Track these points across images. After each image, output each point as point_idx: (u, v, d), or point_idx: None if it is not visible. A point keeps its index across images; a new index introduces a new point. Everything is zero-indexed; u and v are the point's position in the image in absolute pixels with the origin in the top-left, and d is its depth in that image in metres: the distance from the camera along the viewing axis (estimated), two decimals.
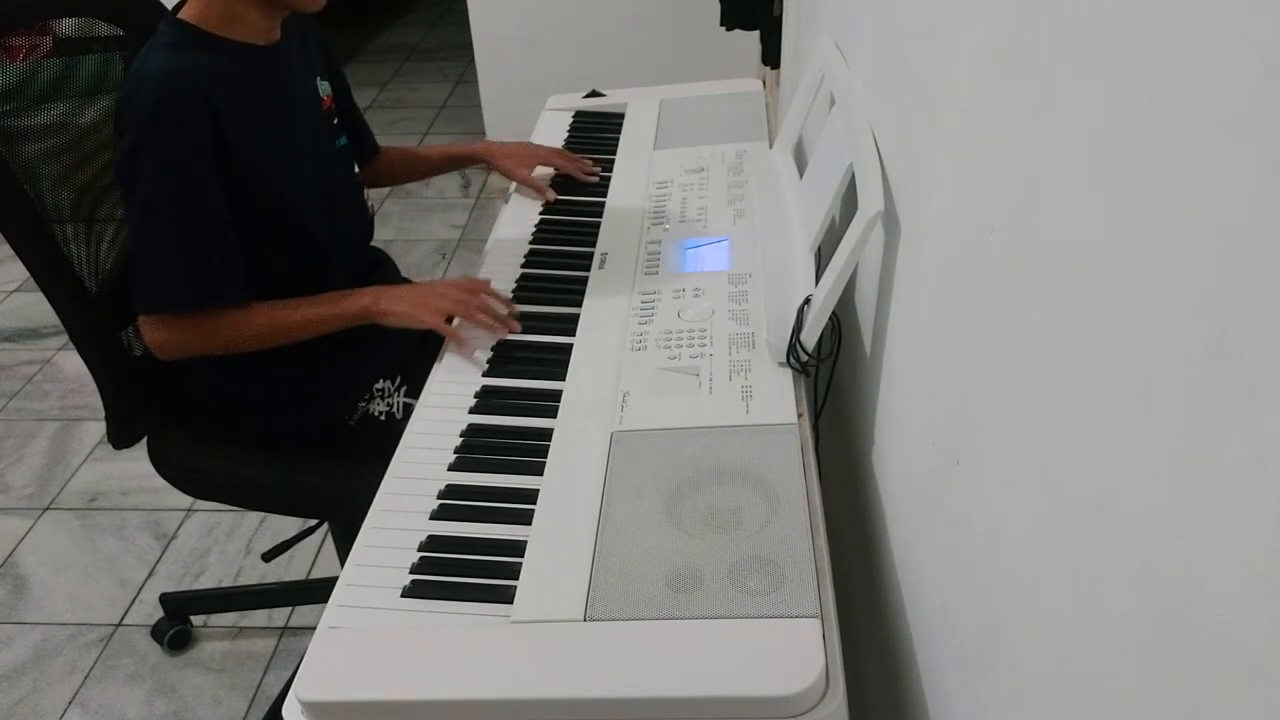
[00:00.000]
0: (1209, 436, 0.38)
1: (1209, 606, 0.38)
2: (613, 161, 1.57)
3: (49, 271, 1.25)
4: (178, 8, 1.18)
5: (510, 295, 1.25)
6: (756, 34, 2.25)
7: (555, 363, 1.11)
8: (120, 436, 1.36)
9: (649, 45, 3.10)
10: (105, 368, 1.31)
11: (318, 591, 1.76)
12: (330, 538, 1.76)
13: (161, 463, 1.38)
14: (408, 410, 1.33)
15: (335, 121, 1.37)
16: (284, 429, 1.34)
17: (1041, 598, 0.56)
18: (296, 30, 1.30)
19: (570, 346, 1.13)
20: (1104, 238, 0.47)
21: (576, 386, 1.07)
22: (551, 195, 1.47)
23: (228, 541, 1.97)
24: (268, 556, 1.60)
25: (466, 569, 0.86)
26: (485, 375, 1.12)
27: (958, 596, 0.72)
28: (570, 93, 1.82)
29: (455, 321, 1.17)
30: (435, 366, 1.14)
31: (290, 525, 1.85)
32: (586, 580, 0.82)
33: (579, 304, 1.21)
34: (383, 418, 1.36)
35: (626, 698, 0.73)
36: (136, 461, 1.45)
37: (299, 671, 0.78)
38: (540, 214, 1.46)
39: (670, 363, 1.07)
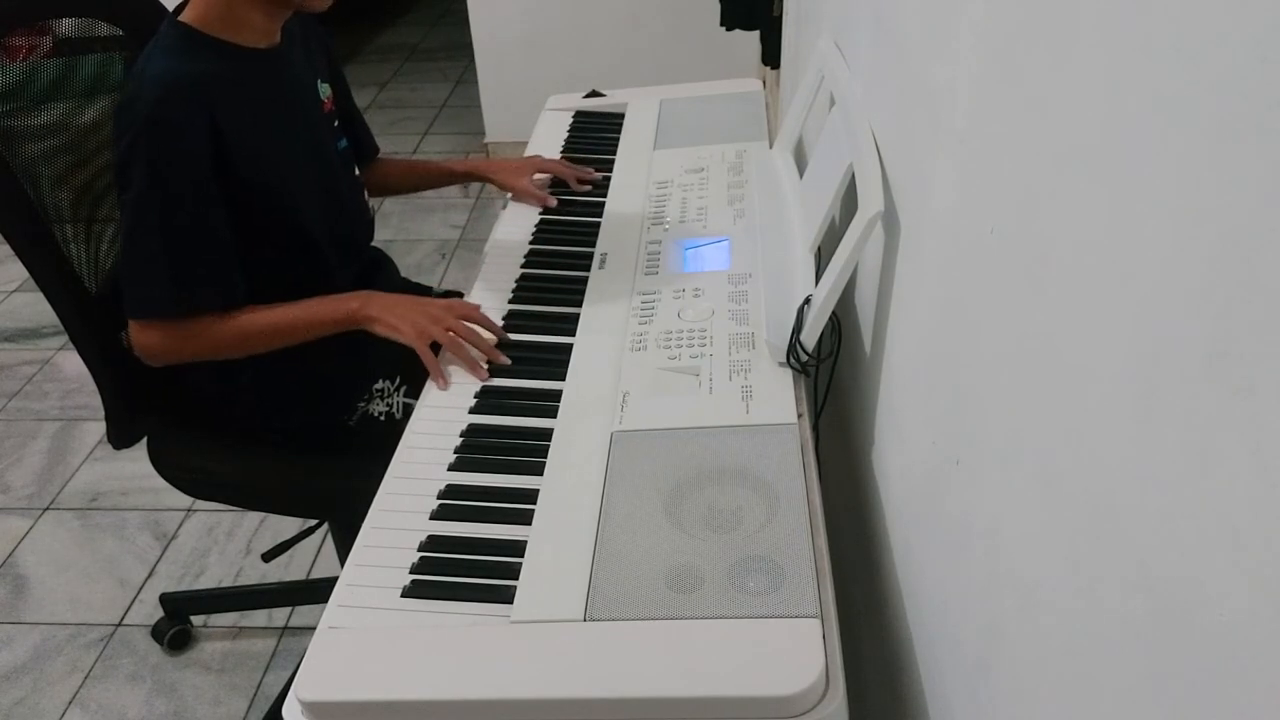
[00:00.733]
0: (1209, 436, 0.38)
1: (1209, 606, 0.38)
2: (613, 162, 1.57)
3: (49, 271, 1.25)
4: (179, 9, 1.18)
5: (510, 295, 1.25)
6: (756, 34, 2.25)
7: (555, 363, 1.11)
8: (120, 436, 1.36)
9: (649, 45, 3.11)
10: (105, 368, 1.31)
11: (318, 591, 1.76)
12: (330, 538, 1.76)
13: (161, 463, 1.38)
14: (408, 410, 1.33)
15: (336, 124, 1.37)
16: (284, 429, 1.34)
17: (1041, 598, 0.56)
18: (298, 32, 1.30)
19: (570, 346, 1.13)
20: (1104, 238, 0.47)
21: (576, 386, 1.07)
22: (552, 201, 1.47)
23: (228, 541, 1.97)
24: (268, 556, 1.60)
25: (466, 569, 0.86)
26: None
27: (958, 596, 0.72)
28: (570, 93, 1.82)
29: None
30: None
31: (290, 525, 1.85)
32: (586, 580, 0.82)
33: (579, 304, 1.21)
34: (382, 418, 1.36)
35: (626, 698, 0.73)
36: (136, 461, 1.45)
37: (299, 671, 0.78)
38: (540, 214, 1.46)
39: (670, 363, 1.07)
